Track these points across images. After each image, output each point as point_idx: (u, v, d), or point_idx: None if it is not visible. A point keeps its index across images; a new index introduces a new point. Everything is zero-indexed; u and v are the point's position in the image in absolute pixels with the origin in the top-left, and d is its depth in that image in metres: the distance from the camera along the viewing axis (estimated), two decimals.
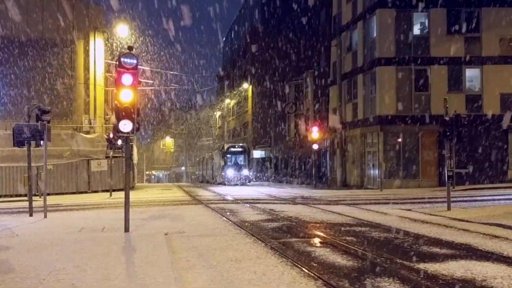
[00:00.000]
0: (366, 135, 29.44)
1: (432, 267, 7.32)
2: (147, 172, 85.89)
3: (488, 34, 27.50)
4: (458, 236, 10.20)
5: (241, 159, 40.06)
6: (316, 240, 10.17)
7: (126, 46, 11.79)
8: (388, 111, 27.19)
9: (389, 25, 27.43)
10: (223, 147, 41.01)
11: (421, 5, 27.32)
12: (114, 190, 25.52)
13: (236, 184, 37.11)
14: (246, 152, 40.45)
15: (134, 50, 10.93)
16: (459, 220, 12.65)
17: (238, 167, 38.80)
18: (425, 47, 27.66)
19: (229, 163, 39.15)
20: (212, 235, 10.58)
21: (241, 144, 43.12)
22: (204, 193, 27.15)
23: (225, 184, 37.76)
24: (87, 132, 30.25)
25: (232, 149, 40.24)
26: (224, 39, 76.56)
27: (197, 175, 68.97)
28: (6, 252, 8.53)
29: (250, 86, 53.61)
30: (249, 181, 39.43)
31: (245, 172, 39.06)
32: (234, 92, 59.60)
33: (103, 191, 27.76)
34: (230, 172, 38.42)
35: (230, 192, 27.25)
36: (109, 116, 35.22)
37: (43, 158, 14.39)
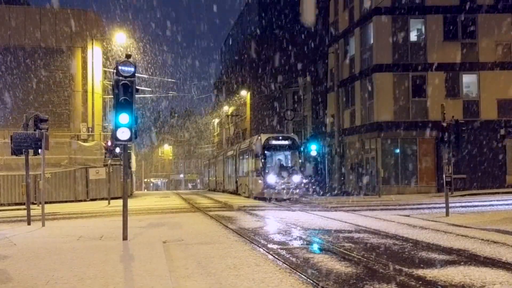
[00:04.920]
0: (364, 141, 29.48)
1: (430, 273, 7.31)
2: (146, 180, 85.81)
3: (485, 40, 27.64)
4: (457, 242, 10.20)
5: (289, 157, 26.31)
6: (315, 247, 10.16)
7: (124, 54, 11.82)
8: (385, 117, 27.25)
9: (386, 32, 27.56)
10: (258, 140, 26.02)
11: (417, 11, 27.54)
12: (112, 198, 25.46)
13: (282, 198, 23.88)
14: (297, 146, 26.08)
15: (132, 58, 10.96)
16: (458, 226, 12.65)
17: (285, 172, 24.69)
18: (422, 54, 27.78)
19: (269, 165, 25.17)
20: (211, 243, 10.56)
21: (288, 135, 28.71)
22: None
23: (263, 198, 24.44)
24: (85, 140, 30.19)
25: (274, 142, 25.67)
26: (222, 46, 76.82)
27: (206, 182, 55.74)
28: (4, 261, 8.50)
29: (248, 93, 53.71)
30: (302, 193, 25.67)
31: (296, 178, 24.52)
32: (232, 99, 59.69)
33: (101, 199, 27.70)
34: (271, 179, 24.27)
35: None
36: (107, 124, 35.22)
37: (41, 167, 14.37)
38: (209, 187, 49.12)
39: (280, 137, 26.52)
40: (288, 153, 26.23)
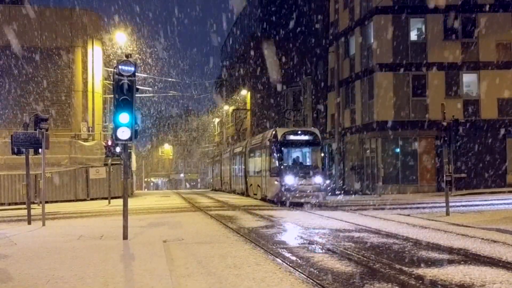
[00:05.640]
0: (364, 141, 29.48)
1: (431, 272, 7.32)
2: (146, 179, 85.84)
3: (485, 40, 27.64)
4: (457, 241, 10.21)
5: (309, 155, 23.27)
6: (315, 246, 10.16)
7: (123, 53, 11.82)
8: (386, 116, 27.24)
9: (386, 31, 27.55)
10: (274, 134, 22.43)
11: (417, 11, 27.54)
12: (112, 198, 25.47)
13: (302, 202, 20.35)
14: (319, 142, 22.44)
15: (132, 57, 10.96)
16: (458, 225, 12.66)
17: (306, 171, 21.57)
18: (422, 53, 27.77)
19: (286, 163, 21.93)
20: (211, 242, 10.57)
21: (308, 129, 25.25)
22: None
23: (280, 202, 21.10)
24: (86, 140, 30.21)
25: (293, 137, 22.33)
26: (222, 45, 76.81)
27: (209, 181, 51.28)
28: (5, 261, 8.51)
29: (249, 92, 53.71)
30: (325, 197, 21.91)
31: (318, 179, 21.14)
32: (233, 99, 59.69)
33: (101, 198, 27.71)
34: (289, 179, 20.92)
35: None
36: (107, 124, 35.22)
37: (41, 166, 14.39)
38: (213, 187, 46.04)
39: (299, 132, 22.96)
40: (308, 149, 23.05)
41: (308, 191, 20.73)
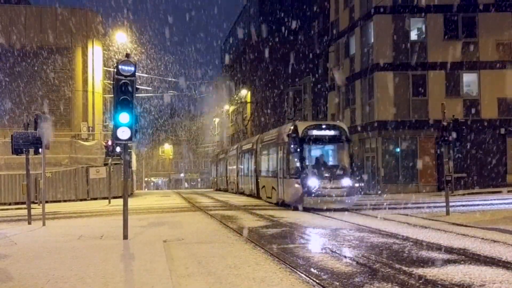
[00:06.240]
0: (364, 141, 29.48)
1: (430, 272, 7.33)
2: (146, 179, 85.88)
3: (485, 39, 27.61)
4: (457, 241, 10.21)
5: (335, 153, 20.27)
6: (315, 246, 10.16)
7: (124, 53, 11.84)
8: (386, 116, 27.25)
9: (387, 31, 27.55)
10: (293, 129, 19.23)
11: (418, 10, 27.55)
12: (113, 198, 25.48)
13: (328, 208, 17.34)
14: (346, 138, 19.28)
15: (132, 57, 10.97)
16: (458, 225, 12.67)
17: (332, 172, 18.63)
18: (423, 52, 27.76)
19: (308, 162, 18.96)
20: (211, 242, 10.58)
21: (333, 123, 21.74)
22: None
23: (302, 208, 17.99)
24: (86, 140, 30.24)
25: (316, 132, 19.15)
26: (222, 44, 76.80)
27: (212, 181, 49.50)
28: (5, 261, 8.52)
29: (249, 92, 53.70)
30: (353, 202, 18.56)
31: (346, 181, 18.18)
32: (233, 98, 59.68)
33: (102, 198, 27.71)
34: (313, 182, 17.85)
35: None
36: (107, 124, 35.23)
37: (42, 166, 14.40)
38: (217, 187, 43.22)
39: (324, 126, 19.71)
40: (333, 147, 19.92)
41: (335, 195, 17.71)
